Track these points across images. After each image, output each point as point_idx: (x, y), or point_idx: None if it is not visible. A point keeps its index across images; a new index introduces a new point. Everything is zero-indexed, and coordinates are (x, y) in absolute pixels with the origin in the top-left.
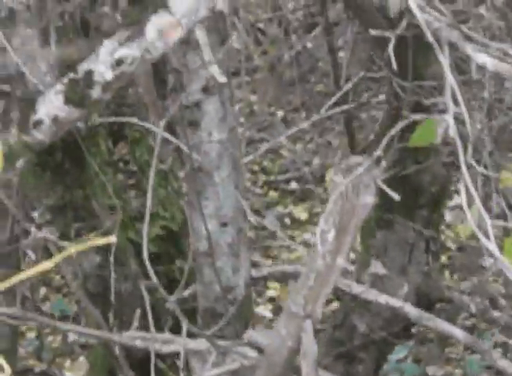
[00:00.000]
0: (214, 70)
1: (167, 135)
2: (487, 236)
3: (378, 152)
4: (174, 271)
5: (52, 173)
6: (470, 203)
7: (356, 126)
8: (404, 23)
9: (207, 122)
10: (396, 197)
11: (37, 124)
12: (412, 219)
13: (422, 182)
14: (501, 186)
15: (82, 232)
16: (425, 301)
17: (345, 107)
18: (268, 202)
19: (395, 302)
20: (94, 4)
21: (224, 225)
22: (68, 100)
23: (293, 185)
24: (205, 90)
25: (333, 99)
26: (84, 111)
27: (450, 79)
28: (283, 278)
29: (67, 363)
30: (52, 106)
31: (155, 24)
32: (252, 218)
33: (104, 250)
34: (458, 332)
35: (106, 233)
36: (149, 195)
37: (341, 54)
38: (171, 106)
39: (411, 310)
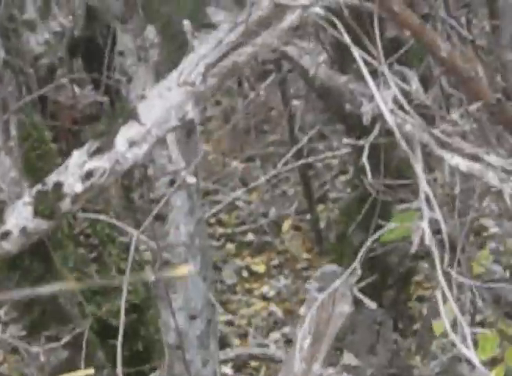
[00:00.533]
0: (182, 170)
1: (143, 237)
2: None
3: (355, 263)
4: (138, 344)
5: (19, 271)
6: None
7: (311, 174)
8: (376, 130)
9: (175, 215)
10: (373, 305)
11: (5, 235)
12: (379, 299)
13: (389, 263)
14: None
15: (50, 328)
16: None
17: (301, 162)
18: (225, 255)
19: None
20: (51, 76)
21: (193, 317)
22: (37, 212)
23: (250, 236)
24: (172, 184)
25: (289, 154)
26: (53, 223)
27: (424, 186)
28: (250, 360)
29: None
30: (20, 217)
31: (125, 135)
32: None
33: (71, 344)
34: None
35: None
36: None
37: (295, 102)
38: (137, 201)
39: None
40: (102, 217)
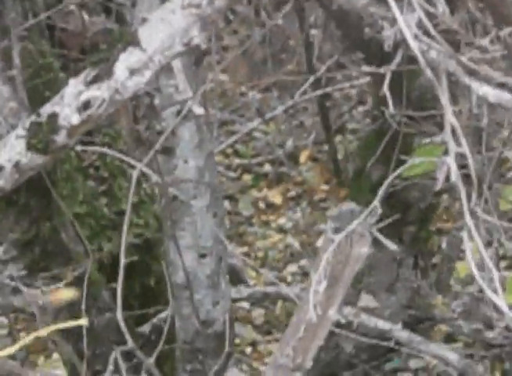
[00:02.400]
0: (190, 100)
1: (146, 170)
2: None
3: (375, 202)
4: (150, 279)
5: (17, 207)
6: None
7: (329, 105)
8: (399, 57)
9: (183, 149)
10: (393, 246)
11: None
12: (399, 236)
13: (409, 199)
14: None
15: (52, 268)
16: (414, 319)
17: (319, 92)
18: (242, 186)
19: (384, 325)
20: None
21: (202, 256)
22: (30, 146)
23: (267, 167)
24: (180, 115)
25: (307, 84)
26: (48, 157)
27: (450, 117)
28: (264, 300)
29: (41, 360)
30: (13, 151)
31: (125, 62)
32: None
33: (75, 285)
34: (451, 356)
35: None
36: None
37: (314, 31)
38: (143, 132)
39: (400, 334)
40: (107, 150)
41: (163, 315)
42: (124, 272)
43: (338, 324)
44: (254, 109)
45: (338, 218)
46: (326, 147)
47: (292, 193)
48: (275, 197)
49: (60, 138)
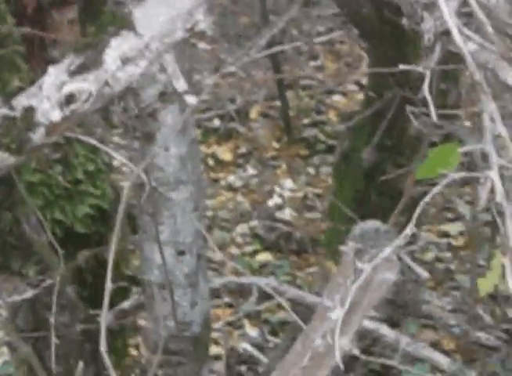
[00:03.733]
0: (180, 83)
1: (119, 157)
2: None
3: (410, 225)
4: (104, 252)
5: None
6: None
7: (282, 58)
8: (438, 52)
9: (164, 135)
10: (425, 275)
11: None
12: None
13: (402, 187)
14: None
15: (11, 264)
16: (399, 315)
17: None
18: None
19: (370, 324)
20: None
21: (181, 253)
22: (1, 145)
23: (217, 123)
24: (162, 96)
25: (263, 40)
26: (21, 158)
27: (496, 126)
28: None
29: None
30: None
31: (117, 49)
32: None
33: (36, 279)
34: (442, 359)
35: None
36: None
37: None
38: (120, 115)
39: (388, 333)
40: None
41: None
42: (77, 244)
43: None
44: (204, 61)
45: (360, 238)
46: (277, 103)
47: (242, 150)
48: (225, 153)
49: (37, 136)
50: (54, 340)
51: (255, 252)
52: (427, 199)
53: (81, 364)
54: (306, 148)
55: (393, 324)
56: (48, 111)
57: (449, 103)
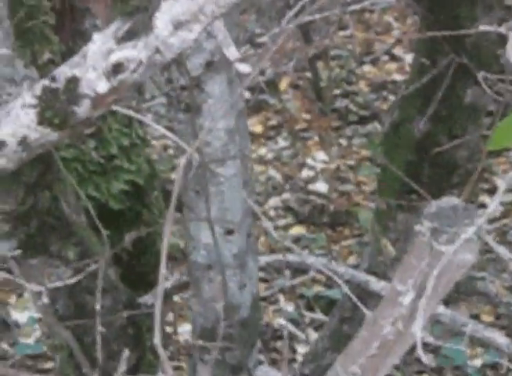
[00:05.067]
0: (232, 51)
1: (164, 131)
2: None
3: (495, 202)
4: (141, 228)
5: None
6: None
7: (311, 28)
8: None
9: (211, 107)
10: (509, 255)
11: None
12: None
13: (457, 159)
14: None
15: (50, 244)
16: (452, 293)
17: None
18: None
19: None
20: None
21: (229, 232)
22: (43, 119)
23: (247, 95)
24: (209, 66)
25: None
26: (65, 133)
27: None
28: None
29: (12, 299)
30: (19, 124)
31: (168, 13)
32: None
33: (76, 261)
34: (501, 339)
35: (82, 248)
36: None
37: None
38: (164, 86)
39: (441, 310)
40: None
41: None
42: (113, 222)
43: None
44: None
45: (436, 216)
46: (308, 74)
47: (272, 122)
48: (255, 125)
49: (82, 110)
50: (99, 328)
51: (288, 226)
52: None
53: (126, 352)
54: (338, 119)
55: (446, 303)
56: (94, 82)
57: (508, 69)
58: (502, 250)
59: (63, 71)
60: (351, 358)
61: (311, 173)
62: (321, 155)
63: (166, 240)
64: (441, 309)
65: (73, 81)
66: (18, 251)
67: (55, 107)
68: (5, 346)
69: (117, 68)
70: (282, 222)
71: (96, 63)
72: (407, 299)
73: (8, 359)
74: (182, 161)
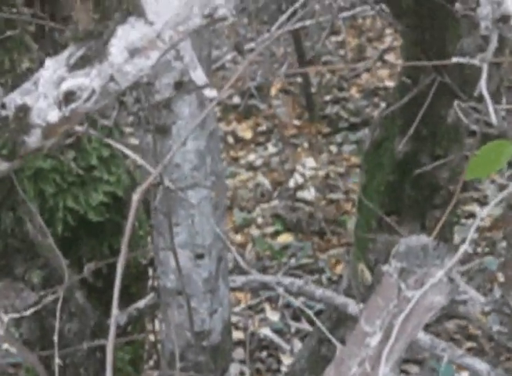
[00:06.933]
0: (198, 74)
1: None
2: None
3: (466, 244)
4: (120, 240)
5: None
6: None
7: (303, 33)
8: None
9: (181, 128)
10: (480, 298)
11: None
12: (422, 220)
13: (439, 180)
14: None
15: (14, 268)
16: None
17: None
18: None
19: None
20: None
21: (199, 257)
22: None
23: (236, 100)
24: (178, 86)
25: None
26: (14, 163)
27: None
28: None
29: None
30: None
31: (124, 39)
32: None
33: (41, 285)
34: (481, 366)
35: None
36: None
37: None
38: (132, 106)
39: (421, 337)
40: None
41: (140, 304)
42: (90, 233)
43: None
44: (223, 36)
45: (405, 257)
46: (298, 79)
47: (262, 128)
48: (245, 131)
49: (32, 139)
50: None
51: (276, 233)
52: (483, 214)
53: None
54: (328, 126)
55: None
56: (45, 111)
57: (491, 89)
58: (472, 292)
59: (14, 99)
60: None
61: (300, 180)
62: (310, 162)
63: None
64: (421, 333)
65: (23, 110)
66: None
67: (3, 137)
68: None
69: (69, 97)
70: (270, 230)
71: (48, 91)
72: (374, 341)
73: None
74: (140, 189)
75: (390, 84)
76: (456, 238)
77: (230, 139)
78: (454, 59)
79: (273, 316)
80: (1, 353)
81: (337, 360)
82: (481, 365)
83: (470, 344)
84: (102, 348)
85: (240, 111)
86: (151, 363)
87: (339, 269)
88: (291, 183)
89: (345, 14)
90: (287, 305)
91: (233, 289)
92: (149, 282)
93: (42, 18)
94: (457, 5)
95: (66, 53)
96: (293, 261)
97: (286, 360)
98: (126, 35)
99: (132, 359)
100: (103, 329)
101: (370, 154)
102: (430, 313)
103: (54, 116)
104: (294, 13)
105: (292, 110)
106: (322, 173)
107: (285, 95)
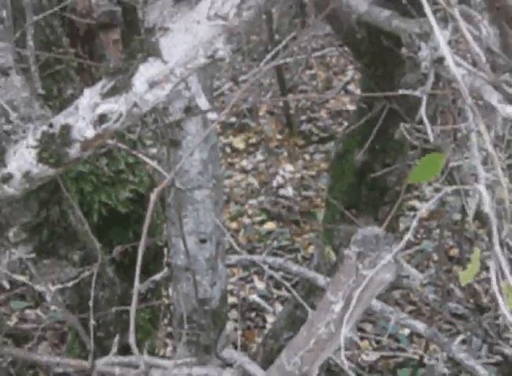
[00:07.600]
0: (202, 101)
1: (152, 163)
2: None
3: (408, 234)
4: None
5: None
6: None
7: (284, 68)
8: (432, 77)
9: (189, 142)
10: (419, 277)
11: (7, 178)
12: (375, 214)
13: (388, 183)
14: None
15: (59, 249)
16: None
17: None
18: None
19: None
20: None
21: (203, 241)
22: (41, 158)
23: (233, 119)
24: (188, 110)
25: (270, 55)
26: (60, 169)
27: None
28: (249, 265)
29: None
30: (23, 160)
31: (144, 74)
32: None
33: (80, 263)
34: (419, 325)
35: (85, 252)
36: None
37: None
38: (151, 125)
39: (374, 303)
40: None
41: (157, 277)
42: (120, 222)
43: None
44: (223, 70)
45: (361, 243)
46: (280, 103)
47: (252, 141)
48: (239, 143)
49: (73, 151)
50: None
51: (263, 222)
52: (423, 210)
53: (116, 336)
54: (303, 139)
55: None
56: (83, 129)
57: (428, 114)
58: (414, 272)
59: (59, 120)
60: (293, 351)
61: (281, 181)
62: (289, 167)
63: (141, 252)
64: (373, 300)
65: (66, 128)
66: (33, 254)
67: (51, 149)
68: (39, 313)
69: (102, 118)
70: (258, 219)
71: (85, 113)
72: (337, 307)
73: (41, 323)
74: (157, 189)
75: (351, 108)
76: (402, 226)
77: (228, 149)
78: (400, 91)
79: (260, 285)
80: (50, 313)
81: (309, 322)
82: (419, 325)
83: (411, 308)
84: (128, 312)
85: (235, 127)
86: (166, 321)
87: (311, 249)
88: (274, 183)
89: (317, 53)
90: (271, 277)
91: (229, 265)
92: (164, 260)
93: (83, 56)
94: (403, 49)
95: (100, 84)
96: (275, 243)
97: (270, 319)
98: (146, 71)
99: (151, 319)
100: (128, 296)
101: (335, 162)
102: (381, 287)
103: (90, 133)
104: (277, 53)
105: (275, 127)
106: (298, 175)
107: (270, 116)
